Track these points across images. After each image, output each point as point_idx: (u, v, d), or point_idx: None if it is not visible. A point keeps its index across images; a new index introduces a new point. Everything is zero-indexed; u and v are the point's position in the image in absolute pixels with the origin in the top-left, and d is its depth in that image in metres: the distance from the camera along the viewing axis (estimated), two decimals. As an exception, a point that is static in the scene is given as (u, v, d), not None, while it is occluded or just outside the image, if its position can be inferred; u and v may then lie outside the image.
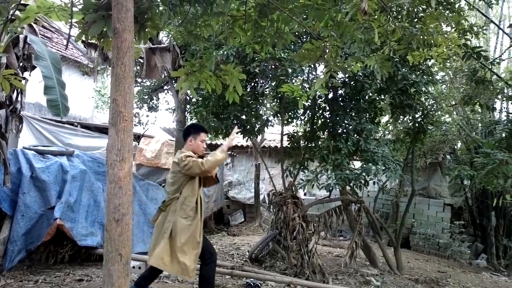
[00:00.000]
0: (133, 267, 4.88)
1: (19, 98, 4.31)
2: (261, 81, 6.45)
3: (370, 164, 5.36)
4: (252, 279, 4.79)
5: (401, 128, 7.83)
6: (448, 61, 6.80)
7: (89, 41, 4.38)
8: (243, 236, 9.47)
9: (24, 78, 4.31)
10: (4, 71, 3.49)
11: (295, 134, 6.94)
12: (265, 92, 6.74)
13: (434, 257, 9.11)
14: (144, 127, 9.60)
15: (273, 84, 6.20)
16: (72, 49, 10.53)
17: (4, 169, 4.13)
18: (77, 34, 2.95)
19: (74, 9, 2.91)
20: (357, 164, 6.39)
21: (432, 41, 4.05)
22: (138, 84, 9.23)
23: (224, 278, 5.07)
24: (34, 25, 4.55)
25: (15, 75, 3.50)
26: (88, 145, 6.93)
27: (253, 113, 6.58)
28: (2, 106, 4.12)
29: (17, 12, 3.47)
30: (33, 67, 4.41)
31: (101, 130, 7.61)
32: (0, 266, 4.36)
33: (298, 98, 4.31)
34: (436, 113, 7.53)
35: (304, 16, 3.81)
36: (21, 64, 4.26)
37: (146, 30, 3.01)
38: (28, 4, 3.55)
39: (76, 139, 7.04)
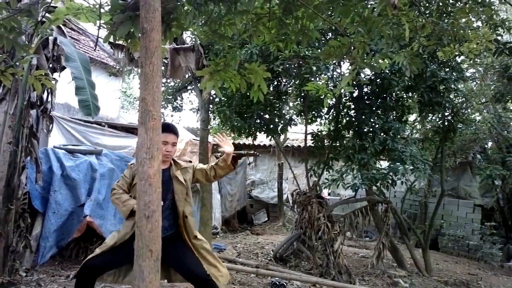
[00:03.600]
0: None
1: (49, 99, 4.42)
2: (285, 79, 6.41)
3: (398, 163, 5.24)
4: (277, 278, 4.77)
5: (430, 126, 7.63)
6: (479, 57, 6.60)
7: (116, 42, 4.47)
8: (266, 235, 9.47)
9: (54, 79, 4.43)
10: (35, 72, 3.59)
11: (319, 133, 6.87)
12: (289, 91, 6.70)
13: (463, 259, 8.84)
14: (168, 127, 9.71)
15: (296, 82, 6.16)
16: (98, 50, 10.78)
17: (36, 167, 4.24)
18: (105, 35, 3.00)
19: (102, 10, 2.96)
20: (384, 163, 6.27)
21: (463, 37, 3.92)
22: (163, 84, 9.35)
23: (249, 277, 5.08)
24: (63, 27, 4.67)
25: (45, 75, 3.60)
26: (115, 144, 7.06)
27: (276, 112, 6.56)
28: (33, 107, 4.23)
29: (47, 14, 3.57)
30: (62, 68, 4.52)
31: (127, 129, 7.75)
32: (33, 261, 4.47)
33: (323, 97, 4.26)
34: (466, 111, 7.31)
35: (330, 13, 3.76)
36: (50, 65, 4.36)
37: (172, 30, 3.03)
38: (57, 6, 3.64)
39: (103, 138, 7.19)
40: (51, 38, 4.27)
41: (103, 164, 5.32)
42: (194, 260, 2.85)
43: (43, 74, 3.50)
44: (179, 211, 2.86)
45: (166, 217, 2.80)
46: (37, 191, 4.69)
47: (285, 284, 4.71)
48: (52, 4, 3.64)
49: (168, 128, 2.91)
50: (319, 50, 5.34)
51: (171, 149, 2.89)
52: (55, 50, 4.32)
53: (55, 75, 4.51)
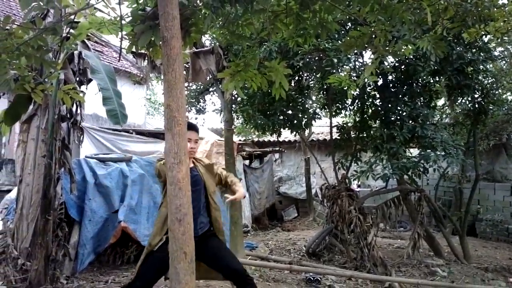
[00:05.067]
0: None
1: (78, 111, 4.56)
2: (306, 74, 6.36)
3: (429, 150, 5.11)
4: (311, 274, 4.76)
5: (460, 110, 7.40)
6: (507, 35, 6.33)
7: (138, 51, 4.57)
8: (297, 231, 9.45)
9: (82, 92, 4.57)
10: (63, 86, 3.71)
11: (344, 125, 6.79)
12: (311, 85, 6.64)
13: (503, 244, 8.54)
14: (193, 129, 9.83)
15: (318, 76, 6.09)
16: (122, 60, 11.05)
17: (70, 178, 4.39)
18: (128, 45, 3.07)
19: (123, 22, 3.03)
20: (414, 151, 6.13)
21: (489, 16, 3.78)
22: (186, 89, 9.47)
23: (283, 273, 5.08)
24: (87, 41, 4.80)
25: (73, 89, 3.72)
26: (143, 150, 7.23)
27: (299, 107, 6.52)
28: (64, 119, 4.37)
29: (71, 30, 3.69)
30: (89, 81, 4.66)
31: (154, 135, 7.92)
32: (73, 269, 4.62)
33: (346, 88, 4.20)
34: (497, 92, 7.04)
35: (348, 3, 3.70)
36: (77, 78, 4.50)
37: (191, 35, 3.07)
38: (80, 21, 3.75)
39: (132, 145, 7.38)
40: (76, 52, 4.41)
41: (133, 170, 5.45)
42: (231, 256, 2.93)
43: (71, 88, 3.62)
44: (211, 203, 2.95)
45: (203, 213, 2.90)
46: (73, 200, 4.84)
47: (319, 279, 4.70)
48: (75, 20, 3.76)
49: (189, 126, 2.95)
50: (339, 42, 5.26)
51: (194, 145, 2.98)
52: (81, 64, 4.45)
53: (82, 87, 4.64)
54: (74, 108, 4.50)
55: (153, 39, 2.74)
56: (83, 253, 4.73)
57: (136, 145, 7.46)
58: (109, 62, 9.26)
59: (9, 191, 7.48)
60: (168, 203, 2.18)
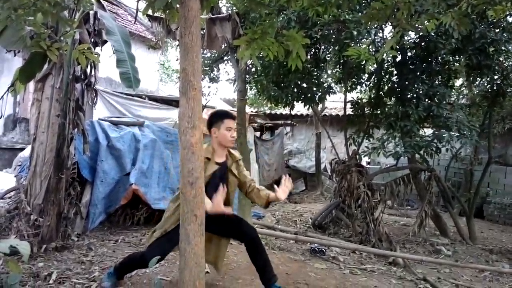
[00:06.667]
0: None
1: (93, 72, 4.54)
2: (323, 46, 6.22)
3: (443, 130, 5.04)
4: (316, 244, 4.83)
5: (478, 91, 7.23)
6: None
7: (154, 15, 4.50)
8: (304, 204, 9.54)
9: (97, 53, 4.54)
10: (79, 46, 3.69)
11: (359, 101, 6.70)
12: (327, 58, 6.52)
13: (510, 227, 8.55)
14: (206, 98, 9.81)
15: (336, 48, 5.96)
16: (136, 24, 10.91)
17: (83, 139, 4.42)
18: (144, 7, 3.02)
19: (140, -19, 2.97)
20: (428, 131, 6.05)
21: (518, -8, 3.61)
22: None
23: (289, 243, 5.17)
24: (103, 1, 4.73)
25: (88, 49, 3.69)
26: (155, 116, 7.25)
27: (314, 80, 6.42)
28: (78, 80, 4.36)
29: (88, -11, 3.63)
30: (104, 42, 4.60)
31: (167, 102, 7.91)
32: (84, 227, 4.76)
33: (364, 62, 4.11)
34: (518, 74, 6.83)
35: (372, -28, 3.56)
36: (92, 39, 4.45)
37: (209, -2, 3.00)
38: (97, -19, 3.68)
39: (144, 110, 7.40)
40: (91, 12, 4.33)
41: (145, 135, 5.49)
42: (243, 223, 3.06)
43: (87, 48, 3.60)
44: (230, 200, 2.96)
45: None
46: (85, 161, 4.92)
47: (324, 250, 4.77)
48: (91, -22, 3.69)
49: (231, 115, 3.03)
50: (360, 14, 5.11)
51: (234, 134, 2.95)
52: (96, 24, 4.38)
53: (97, 49, 4.60)
54: (88, 70, 4.48)
55: (170, 1, 2.69)
56: (94, 212, 4.87)
57: (148, 111, 7.47)
58: (124, 25, 9.17)
59: (22, 149, 7.64)
60: (180, 166, 2.20)
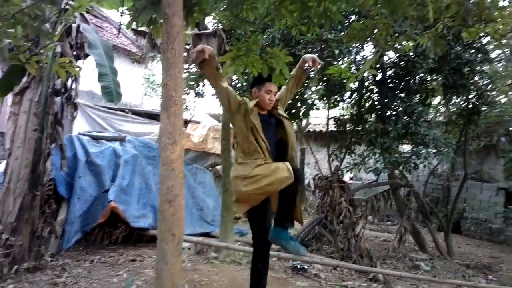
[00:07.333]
0: (183, 248, 5.05)
1: (73, 86, 4.47)
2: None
3: (421, 147, 5.15)
4: (298, 262, 4.81)
5: (454, 109, 7.45)
6: (506, 37, 6.33)
7: (138, 28, 4.50)
8: (287, 219, 9.48)
9: (78, 66, 4.49)
10: (59, 59, 3.64)
11: (341, 117, 6.79)
12: (311, 75, 6.61)
13: (486, 242, 8.73)
14: (191, 112, 9.78)
15: (319, 66, 6.06)
16: (121, 37, 10.88)
17: (61, 154, 4.31)
18: (128, 21, 3.02)
19: (124, -3, 2.98)
20: (406, 147, 6.17)
21: (489, 17, 3.77)
22: (185, 71, 9.37)
23: (271, 260, 5.12)
24: (86, 14, 4.70)
25: (69, 63, 3.65)
26: (138, 131, 7.18)
27: (298, 96, 6.49)
28: (58, 94, 4.28)
29: (70, 2, 3.60)
30: (86, 56, 4.56)
31: (151, 116, 7.86)
32: (58, 246, 4.56)
33: (345, 80, 4.19)
34: (491, 93, 7.09)
35: (353, -6, 3.66)
36: (74, 52, 4.40)
37: (194, 15, 3.02)
38: (80, -6, 3.66)
39: (127, 125, 7.32)
40: (74, 25, 4.30)
41: (127, 150, 5.42)
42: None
43: (67, 61, 3.56)
44: (291, 143, 2.99)
45: (273, 152, 2.92)
46: (62, 177, 4.79)
47: (306, 267, 4.75)
48: (74, -8, 3.68)
49: (271, 78, 3.16)
50: (342, 33, 5.23)
51: (273, 98, 3.03)
52: (79, 38, 4.35)
53: (79, 62, 4.54)
54: (69, 83, 4.42)
55: (154, 16, 2.70)
56: (70, 231, 4.69)
57: (131, 125, 7.40)
58: (108, 38, 9.12)
59: (-2, 164, 7.42)
60: (159, 183, 2.17)
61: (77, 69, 3.95)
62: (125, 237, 5.16)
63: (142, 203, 5.26)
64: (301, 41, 5.37)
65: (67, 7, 3.43)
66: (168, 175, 2.13)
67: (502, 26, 4.05)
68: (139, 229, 5.15)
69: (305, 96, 6.86)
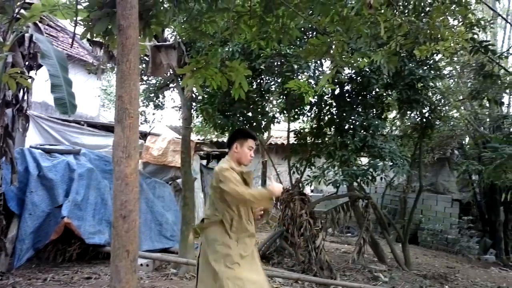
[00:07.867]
0: (141, 264, 4.89)
1: (25, 97, 4.32)
2: (267, 77, 6.41)
3: (377, 160, 5.33)
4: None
5: (409, 123, 7.78)
6: (456, 55, 6.74)
7: (94, 39, 4.38)
8: (250, 233, 9.44)
9: (30, 77, 4.32)
10: (10, 70, 3.50)
11: (301, 130, 6.91)
12: (271, 89, 6.71)
13: (442, 252, 9.07)
14: (150, 125, 9.60)
15: (279, 80, 6.17)
16: (77, 47, 10.57)
17: (12, 168, 4.15)
18: (82, 32, 2.95)
19: (79, 7, 2.91)
20: (364, 160, 6.36)
21: (439, 35, 4.00)
22: (144, 82, 9.22)
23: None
24: (40, 24, 4.55)
25: (21, 73, 3.51)
26: (94, 144, 6.94)
27: (259, 110, 6.56)
28: (9, 105, 4.13)
29: (22, 11, 3.48)
30: (39, 66, 4.41)
31: (108, 128, 7.61)
32: (9, 264, 4.38)
33: (305, 94, 4.29)
34: (444, 108, 7.47)
35: (310, 11, 3.78)
36: (27, 63, 4.26)
37: (151, 27, 3.00)
38: (33, 3, 3.55)
39: (82, 137, 7.05)
40: (27, 35, 4.16)
41: (81, 164, 5.23)
42: None
43: (18, 72, 3.42)
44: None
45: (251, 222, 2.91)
46: (13, 192, 4.59)
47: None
48: (27, 1, 3.55)
49: (255, 137, 3.07)
50: (300, 49, 5.36)
51: (253, 155, 3.01)
52: (31, 48, 4.20)
53: (32, 73, 4.39)
54: (20, 94, 4.25)
55: (109, 27, 2.65)
56: (21, 248, 4.50)
57: (87, 138, 7.13)
58: (63, 49, 8.84)
59: None
60: (113, 198, 2.10)
61: (29, 80, 3.81)
62: (79, 254, 4.97)
63: (98, 218, 5.08)
64: (261, 55, 5.46)
65: (18, 16, 3.30)
66: (122, 189, 2.07)
67: (451, 44, 4.30)
68: (95, 245, 4.96)
69: (266, 109, 6.95)
